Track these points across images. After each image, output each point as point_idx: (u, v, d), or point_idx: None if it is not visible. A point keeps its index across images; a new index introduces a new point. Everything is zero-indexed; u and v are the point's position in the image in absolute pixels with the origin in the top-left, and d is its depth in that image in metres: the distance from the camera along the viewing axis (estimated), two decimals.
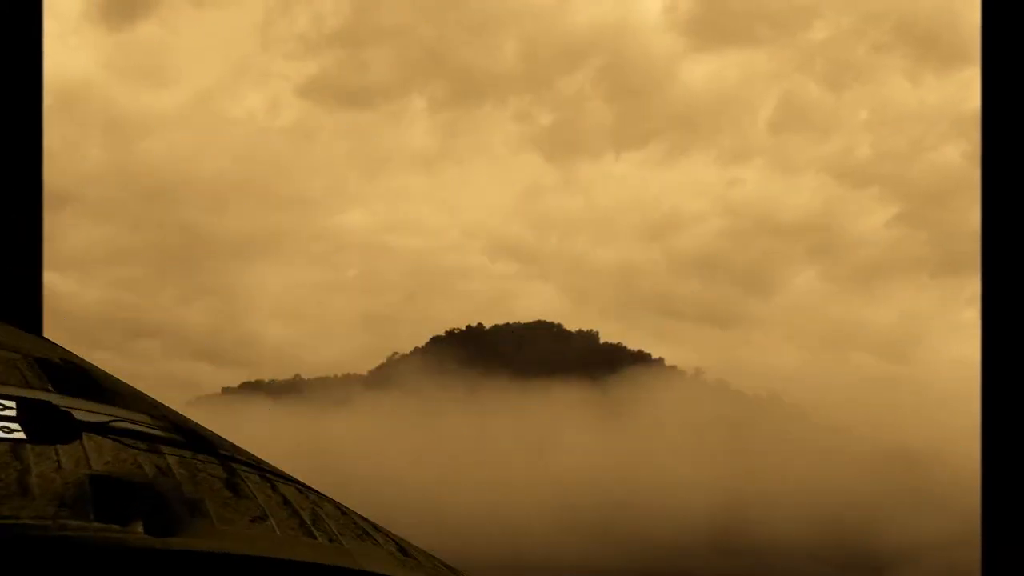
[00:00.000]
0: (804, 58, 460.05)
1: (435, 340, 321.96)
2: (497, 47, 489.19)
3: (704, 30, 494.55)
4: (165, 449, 2.92)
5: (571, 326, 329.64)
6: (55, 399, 3.00)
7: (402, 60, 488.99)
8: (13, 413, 2.79)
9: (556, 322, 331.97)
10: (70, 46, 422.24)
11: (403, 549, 3.12)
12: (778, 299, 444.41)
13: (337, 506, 3.12)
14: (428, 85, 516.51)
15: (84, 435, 2.80)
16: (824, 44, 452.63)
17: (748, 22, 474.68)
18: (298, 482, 3.18)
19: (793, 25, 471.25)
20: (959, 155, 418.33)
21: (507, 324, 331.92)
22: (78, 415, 2.92)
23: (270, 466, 3.20)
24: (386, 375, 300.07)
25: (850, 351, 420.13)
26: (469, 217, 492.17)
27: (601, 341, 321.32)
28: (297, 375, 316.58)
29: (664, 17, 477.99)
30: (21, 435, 2.67)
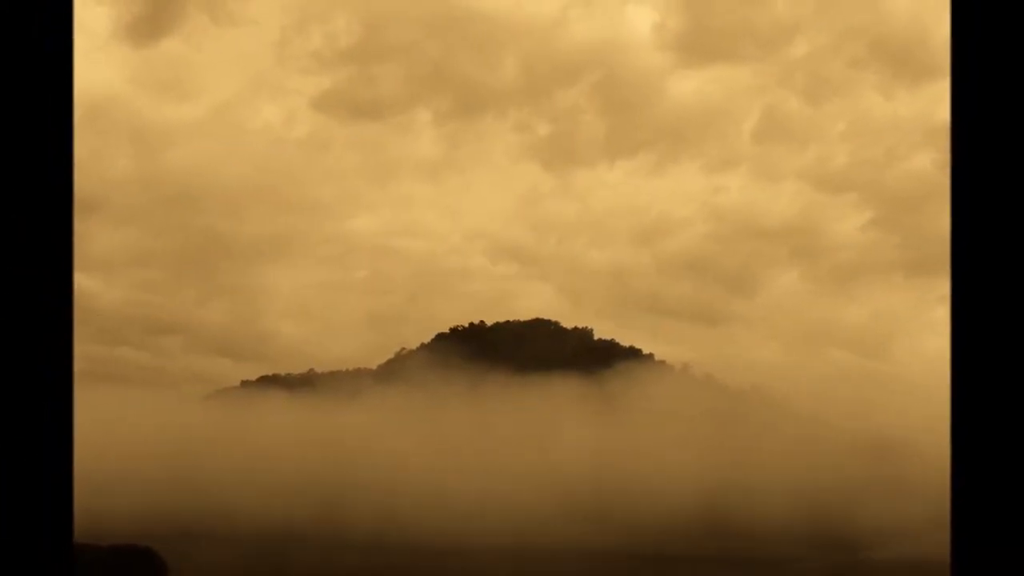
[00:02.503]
0: (785, 73, 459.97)
1: (440, 337, 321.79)
2: (498, 63, 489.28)
3: (691, 47, 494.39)
4: None
5: (567, 324, 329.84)
6: None
7: (409, 75, 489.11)
8: None
9: (554, 320, 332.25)
10: (99, 62, 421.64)
11: None
12: (761, 298, 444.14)
13: None
14: (434, 99, 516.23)
15: None
16: (804, 60, 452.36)
17: (733, 40, 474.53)
18: None
19: (775, 43, 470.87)
20: (930, 163, 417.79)
21: (507, 322, 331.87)
22: None
23: None
24: (394, 370, 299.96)
25: (828, 347, 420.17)
26: (471, 222, 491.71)
27: (596, 338, 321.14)
28: (311, 369, 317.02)
29: (654, 35, 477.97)
30: None
